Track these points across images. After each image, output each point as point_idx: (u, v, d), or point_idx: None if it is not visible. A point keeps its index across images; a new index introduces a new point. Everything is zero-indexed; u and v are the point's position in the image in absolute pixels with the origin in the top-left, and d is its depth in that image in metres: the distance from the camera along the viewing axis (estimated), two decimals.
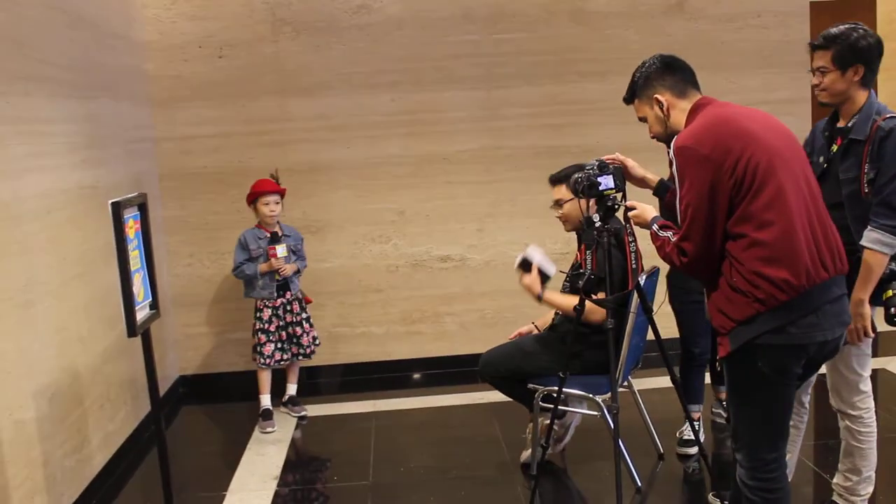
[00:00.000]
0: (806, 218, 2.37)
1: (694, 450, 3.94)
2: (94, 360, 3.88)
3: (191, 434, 4.82)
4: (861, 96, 2.86)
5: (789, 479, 3.28)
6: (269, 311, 4.59)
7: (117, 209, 2.85)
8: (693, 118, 2.55)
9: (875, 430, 3.03)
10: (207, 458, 4.43)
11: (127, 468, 4.12)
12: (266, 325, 4.59)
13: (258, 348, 4.60)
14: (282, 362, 4.64)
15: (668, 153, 2.46)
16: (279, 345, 4.61)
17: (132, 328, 2.92)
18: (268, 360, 4.58)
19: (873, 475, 3.09)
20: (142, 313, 3.04)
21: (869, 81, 2.87)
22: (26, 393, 3.18)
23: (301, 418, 4.73)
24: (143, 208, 3.13)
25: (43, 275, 3.38)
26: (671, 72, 2.65)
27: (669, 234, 2.54)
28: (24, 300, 3.19)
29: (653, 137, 2.77)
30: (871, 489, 3.11)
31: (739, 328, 2.39)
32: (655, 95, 2.65)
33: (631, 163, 3.04)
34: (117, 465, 4.06)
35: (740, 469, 2.54)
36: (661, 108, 2.64)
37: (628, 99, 2.78)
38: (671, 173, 2.46)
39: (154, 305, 3.19)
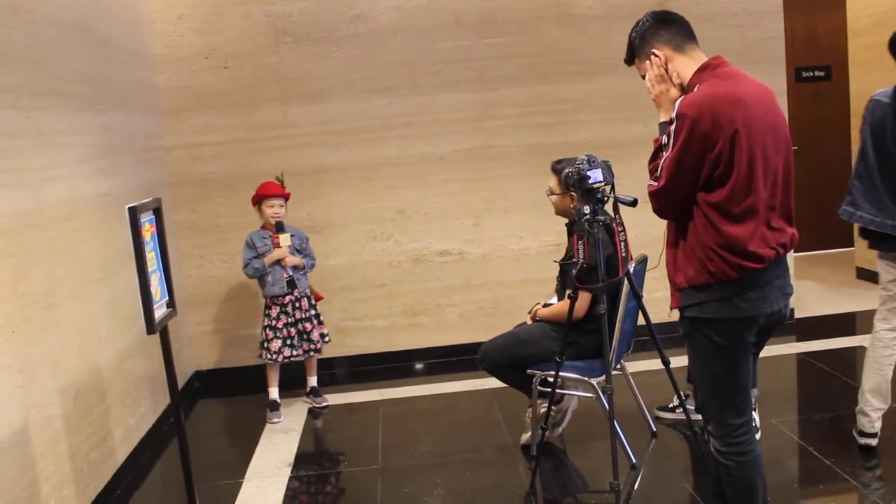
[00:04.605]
0: (771, 211, 2.39)
1: (668, 415, 4.05)
2: (114, 359, 3.90)
3: (207, 426, 4.83)
4: None
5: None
6: (278, 308, 4.57)
7: (134, 213, 2.86)
8: (703, 78, 2.43)
9: None
10: (224, 448, 4.46)
11: (148, 459, 4.14)
12: (274, 322, 4.56)
13: (265, 344, 4.58)
14: (292, 358, 4.60)
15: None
16: (287, 341, 4.57)
17: (151, 326, 2.93)
18: (274, 356, 4.54)
19: None
20: (160, 311, 3.05)
21: None
22: (52, 391, 3.20)
23: (322, 408, 4.74)
24: (157, 212, 3.14)
25: (65, 279, 3.39)
26: (665, 26, 2.55)
27: (652, 181, 2.51)
28: (47, 304, 3.21)
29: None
30: None
31: (691, 290, 2.42)
32: (653, 51, 2.55)
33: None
34: (139, 456, 4.08)
35: (713, 440, 2.53)
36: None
37: (628, 60, 2.67)
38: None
39: (171, 304, 3.20)
